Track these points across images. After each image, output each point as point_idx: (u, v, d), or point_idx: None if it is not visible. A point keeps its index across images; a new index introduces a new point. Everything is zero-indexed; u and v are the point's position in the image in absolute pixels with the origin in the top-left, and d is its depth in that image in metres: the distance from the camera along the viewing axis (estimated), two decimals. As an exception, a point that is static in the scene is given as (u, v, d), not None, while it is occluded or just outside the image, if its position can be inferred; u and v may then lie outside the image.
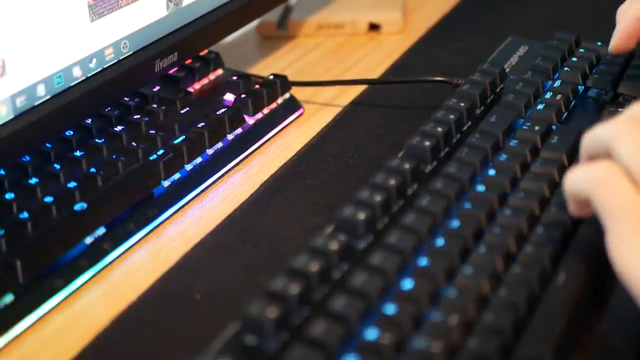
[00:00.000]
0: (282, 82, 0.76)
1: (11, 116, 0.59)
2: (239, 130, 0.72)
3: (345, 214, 0.53)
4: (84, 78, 0.64)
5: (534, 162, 0.59)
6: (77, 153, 0.65)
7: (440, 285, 0.49)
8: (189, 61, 0.76)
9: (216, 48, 0.81)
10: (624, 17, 0.67)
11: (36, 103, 0.60)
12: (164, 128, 0.69)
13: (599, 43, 0.75)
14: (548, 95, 0.67)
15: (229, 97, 0.76)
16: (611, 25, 0.68)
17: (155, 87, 0.73)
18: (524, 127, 0.62)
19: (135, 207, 0.63)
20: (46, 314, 0.56)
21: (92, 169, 0.63)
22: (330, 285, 0.49)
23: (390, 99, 0.78)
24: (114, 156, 0.65)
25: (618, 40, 0.68)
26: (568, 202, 0.50)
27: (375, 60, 0.87)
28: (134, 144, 0.67)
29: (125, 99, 0.71)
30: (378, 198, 0.54)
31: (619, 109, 0.65)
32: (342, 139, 0.73)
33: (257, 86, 0.75)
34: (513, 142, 0.61)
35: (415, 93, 0.78)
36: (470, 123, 0.65)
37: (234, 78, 0.77)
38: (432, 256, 0.50)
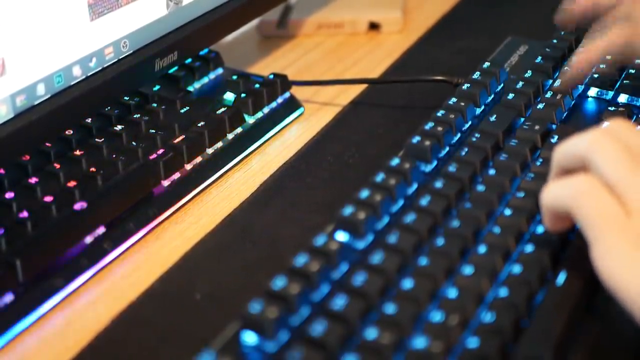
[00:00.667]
0: (282, 82, 0.76)
1: (11, 115, 0.59)
2: (238, 130, 0.72)
3: (345, 213, 0.53)
4: (83, 77, 0.64)
5: (534, 161, 0.59)
6: (77, 152, 0.65)
7: (440, 285, 0.49)
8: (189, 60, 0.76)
9: (216, 47, 0.81)
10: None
11: (36, 102, 0.60)
12: (164, 127, 0.69)
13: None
14: (548, 94, 0.67)
15: (229, 96, 0.76)
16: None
17: (155, 87, 0.73)
18: (524, 127, 0.62)
19: (135, 206, 0.63)
20: (46, 313, 0.56)
21: (92, 169, 0.63)
22: (330, 285, 0.49)
23: (390, 98, 0.78)
24: (114, 155, 0.65)
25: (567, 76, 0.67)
26: (544, 217, 0.50)
27: (375, 59, 0.87)
28: (133, 143, 0.66)
29: (125, 98, 0.71)
30: (378, 198, 0.54)
31: (619, 109, 0.65)
32: (342, 139, 0.73)
33: (257, 85, 0.75)
34: (513, 142, 0.61)
35: (415, 92, 0.78)
36: (470, 123, 0.65)
37: (234, 77, 0.77)
38: (432, 256, 0.50)
